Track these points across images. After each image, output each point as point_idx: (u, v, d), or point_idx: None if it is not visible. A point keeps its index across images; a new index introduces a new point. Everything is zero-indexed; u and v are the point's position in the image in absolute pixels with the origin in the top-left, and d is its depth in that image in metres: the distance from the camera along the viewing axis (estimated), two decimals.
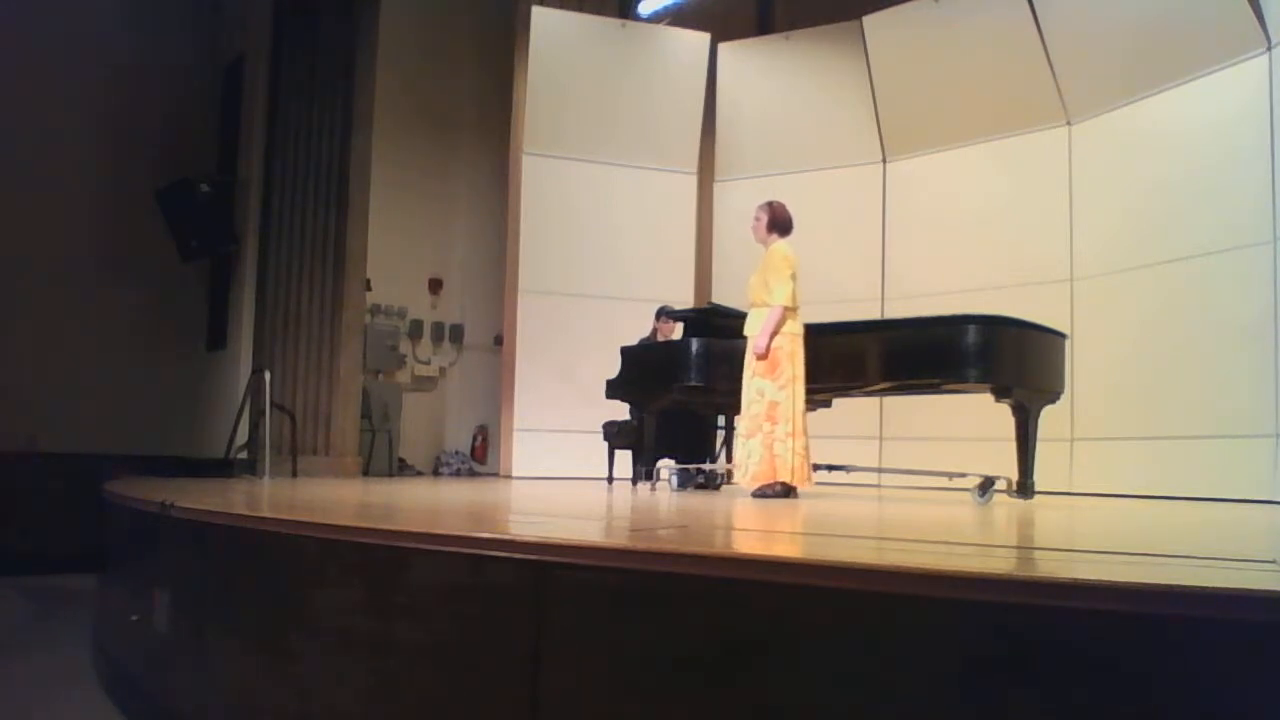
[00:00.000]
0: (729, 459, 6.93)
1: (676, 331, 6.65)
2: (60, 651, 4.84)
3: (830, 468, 5.35)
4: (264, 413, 6.92)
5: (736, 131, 9.01)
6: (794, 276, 4.94)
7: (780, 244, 5.05)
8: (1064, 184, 7.20)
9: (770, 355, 4.90)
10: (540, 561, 2.05)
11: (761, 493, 4.88)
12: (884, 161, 8.41)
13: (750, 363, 5.00)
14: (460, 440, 9.97)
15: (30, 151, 8.06)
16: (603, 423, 6.94)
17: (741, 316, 5.30)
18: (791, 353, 4.93)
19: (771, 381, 4.90)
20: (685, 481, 6.26)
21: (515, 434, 8.60)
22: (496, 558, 2.14)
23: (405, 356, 9.63)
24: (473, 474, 9.59)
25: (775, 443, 4.85)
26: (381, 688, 2.37)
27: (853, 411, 6.72)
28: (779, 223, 5.09)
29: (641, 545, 1.99)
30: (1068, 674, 1.46)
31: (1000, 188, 7.58)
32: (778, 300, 4.89)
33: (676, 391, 5.72)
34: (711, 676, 1.80)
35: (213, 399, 8.66)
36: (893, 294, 8.11)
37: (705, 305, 7.45)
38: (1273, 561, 1.94)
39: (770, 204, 5.15)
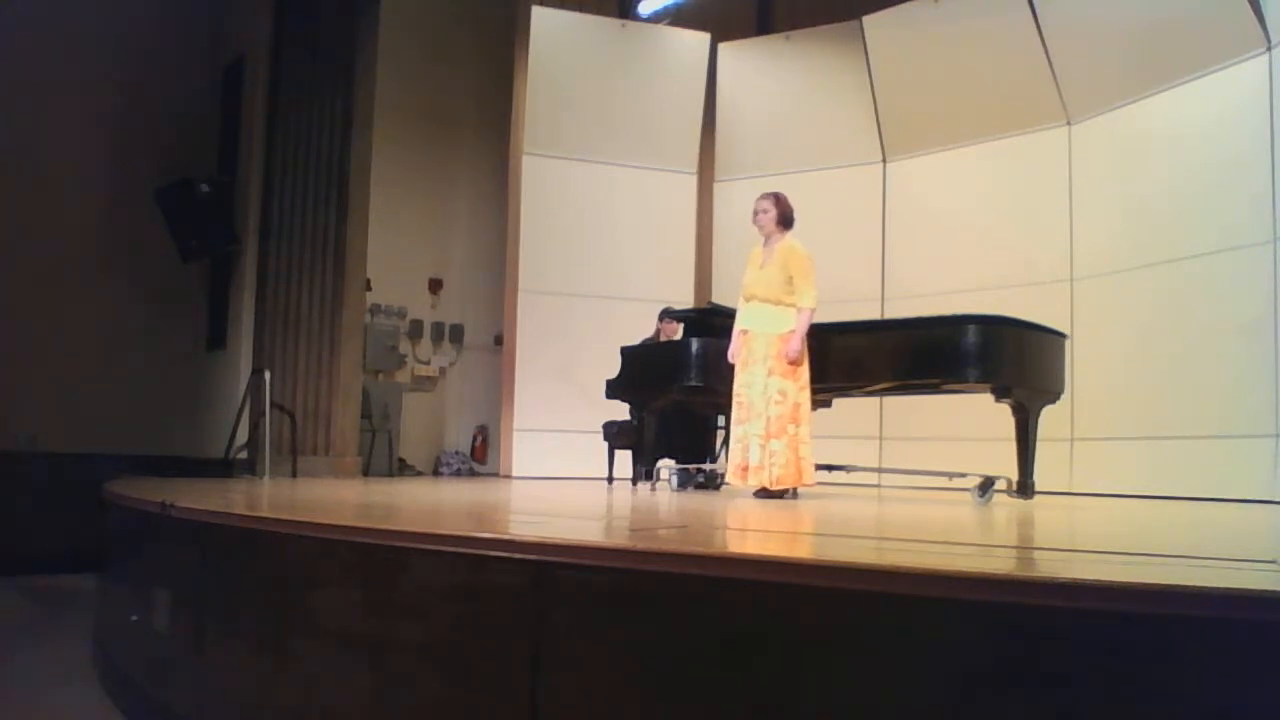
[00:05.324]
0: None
1: (678, 333, 6.65)
2: (60, 651, 4.82)
3: (830, 468, 5.34)
4: (264, 413, 6.92)
5: (736, 131, 9.00)
6: None
7: (796, 242, 4.97)
8: (1064, 184, 7.20)
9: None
10: (540, 561, 2.05)
11: (763, 493, 4.88)
12: (884, 161, 8.41)
13: (762, 360, 4.89)
14: (460, 440, 9.97)
15: (30, 151, 8.05)
16: (603, 423, 6.94)
17: None
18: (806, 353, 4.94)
19: (794, 382, 4.86)
20: (685, 481, 6.25)
21: (515, 434, 8.60)
22: (497, 558, 2.14)
23: (405, 356, 9.63)
24: (473, 474, 9.59)
25: (800, 444, 4.83)
26: (381, 688, 2.37)
27: (853, 411, 6.71)
28: (788, 216, 5.00)
29: (641, 545, 1.99)
30: (1068, 674, 1.46)
31: (1000, 188, 7.58)
32: (808, 303, 4.84)
33: (676, 391, 5.72)
34: (711, 677, 1.80)
35: (213, 399, 8.65)
36: (893, 294, 8.11)
37: (705, 305, 7.45)
38: (1273, 561, 1.94)
39: (776, 196, 5.03)
